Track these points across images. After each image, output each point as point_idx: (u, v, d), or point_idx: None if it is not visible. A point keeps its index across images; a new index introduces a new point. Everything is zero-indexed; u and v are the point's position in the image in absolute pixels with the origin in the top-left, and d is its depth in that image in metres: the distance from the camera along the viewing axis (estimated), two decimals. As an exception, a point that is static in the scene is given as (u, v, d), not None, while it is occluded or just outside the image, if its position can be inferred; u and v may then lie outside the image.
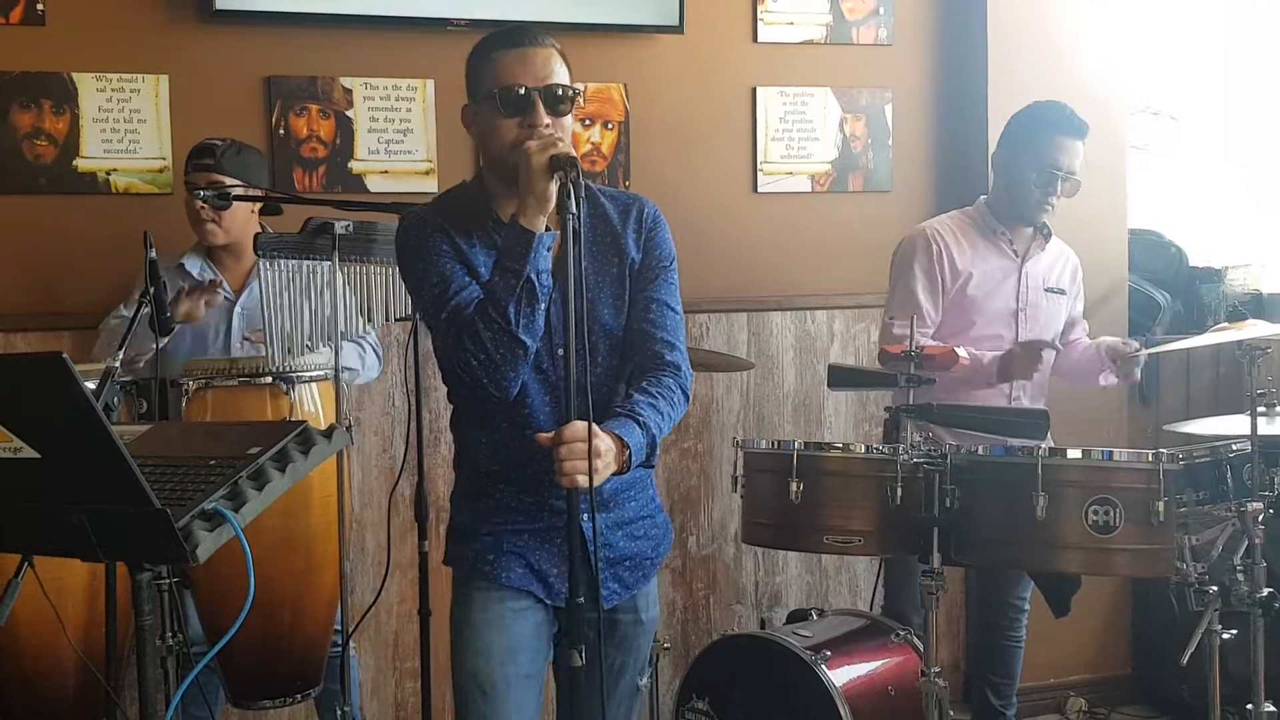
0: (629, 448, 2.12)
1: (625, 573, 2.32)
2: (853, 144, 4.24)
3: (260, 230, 3.24)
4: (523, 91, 2.18)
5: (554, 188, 2.08)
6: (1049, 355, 3.34)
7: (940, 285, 3.41)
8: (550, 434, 2.06)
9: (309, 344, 2.98)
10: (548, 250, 2.13)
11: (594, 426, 2.04)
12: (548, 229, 2.13)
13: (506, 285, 2.11)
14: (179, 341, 3.17)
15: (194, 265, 3.29)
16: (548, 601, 2.26)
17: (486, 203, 2.27)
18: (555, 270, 2.15)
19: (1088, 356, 3.53)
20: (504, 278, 2.12)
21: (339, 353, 2.92)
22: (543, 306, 2.13)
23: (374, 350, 3.35)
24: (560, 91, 2.20)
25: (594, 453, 2.02)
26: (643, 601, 2.37)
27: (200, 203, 3.15)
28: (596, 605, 2.11)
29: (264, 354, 2.95)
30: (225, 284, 3.27)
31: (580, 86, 2.27)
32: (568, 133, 2.21)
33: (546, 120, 2.17)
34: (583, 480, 2.01)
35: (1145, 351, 3.43)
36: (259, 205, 3.21)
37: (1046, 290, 3.49)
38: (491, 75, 2.21)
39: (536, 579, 2.25)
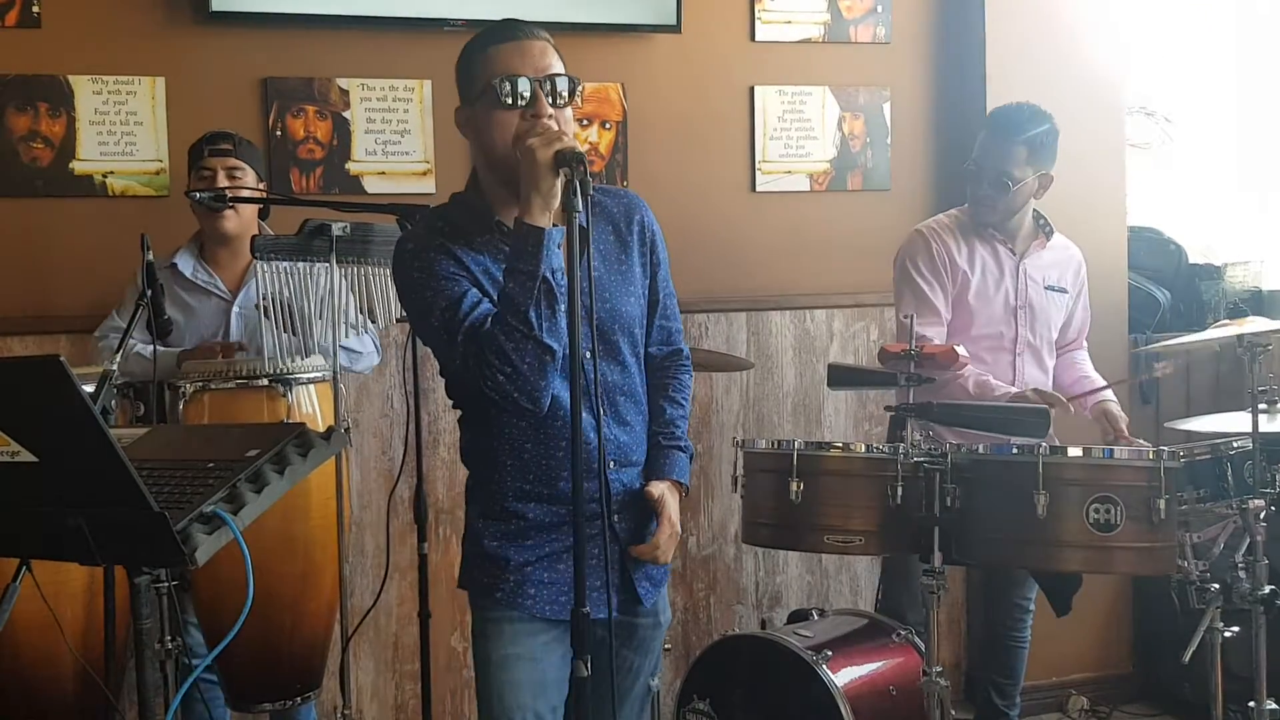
0: (684, 485, 2.31)
1: (654, 570, 2.33)
2: (851, 143, 4.23)
3: (259, 229, 3.24)
4: (523, 82, 2.08)
5: (559, 184, 2.00)
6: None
7: (944, 283, 3.42)
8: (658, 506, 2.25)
9: (310, 346, 2.98)
10: (559, 247, 2.03)
11: (668, 499, 2.26)
12: (554, 225, 2.04)
13: (523, 289, 2.01)
14: (179, 345, 3.15)
15: (186, 264, 3.25)
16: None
17: (487, 210, 2.18)
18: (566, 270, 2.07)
19: (1079, 389, 3.54)
20: (518, 281, 2.01)
21: (336, 354, 2.91)
22: (563, 307, 2.02)
23: (372, 339, 3.33)
24: (562, 82, 2.11)
25: (676, 532, 2.29)
26: (662, 603, 2.38)
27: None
28: (621, 607, 2.14)
29: (263, 356, 2.93)
30: (220, 284, 3.26)
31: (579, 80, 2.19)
32: (569, 126, 2.12)
33: (549, 111, 2.09)
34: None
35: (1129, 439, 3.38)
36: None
37: (1047, 289, 3.49)
38: (487, 69, 2.11)
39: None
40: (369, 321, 3.15)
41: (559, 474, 2.18)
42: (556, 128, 2.07)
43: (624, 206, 2.30)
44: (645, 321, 2.31)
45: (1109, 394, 3.50)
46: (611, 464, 2.21)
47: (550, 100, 2.10)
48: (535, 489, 2.20)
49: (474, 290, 2.11)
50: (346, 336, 3.09)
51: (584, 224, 1.99)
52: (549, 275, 2.01)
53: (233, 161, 3.18)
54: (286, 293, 2.91)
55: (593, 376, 2.02)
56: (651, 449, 2.31)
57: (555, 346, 2.03)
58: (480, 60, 2.14)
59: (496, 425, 2.19)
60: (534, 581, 2.21)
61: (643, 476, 2.30)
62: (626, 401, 2.26)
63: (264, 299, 2.90)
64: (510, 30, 2.14)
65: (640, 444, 2.30)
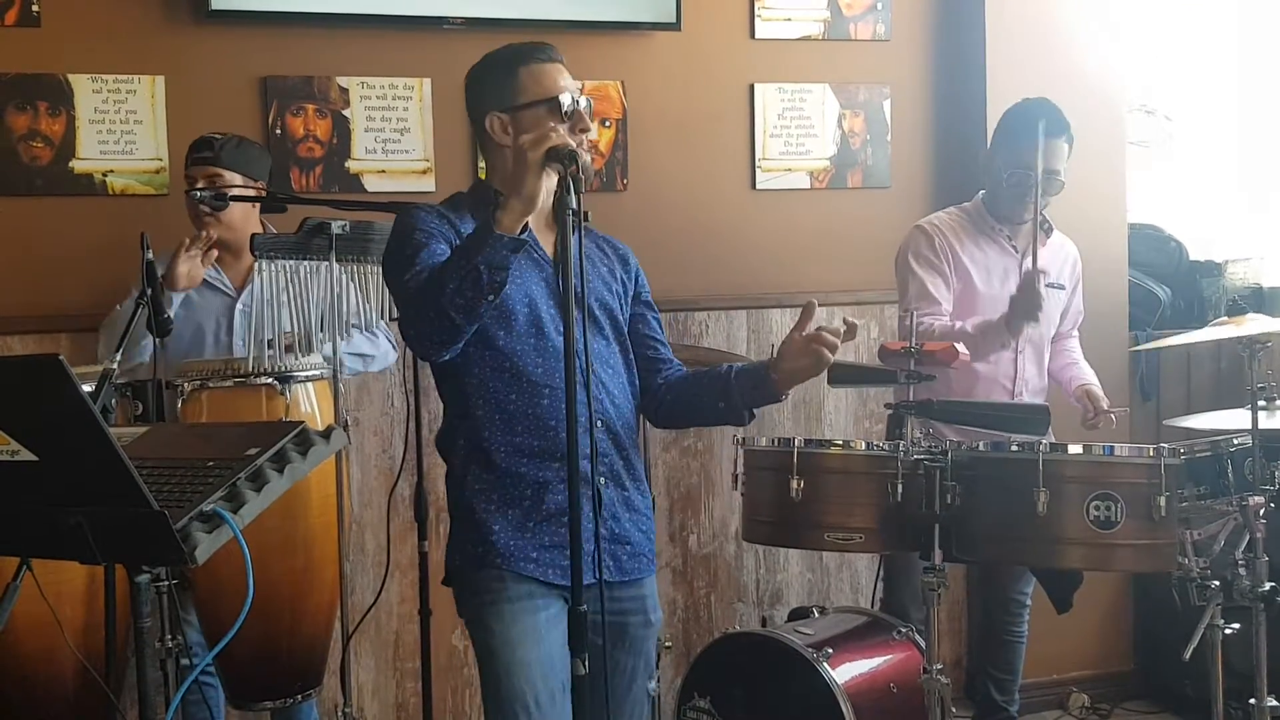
0: None
1: (624, 558, 2.33)
2: (851, 140, 4.23)
3: (263, 228, 3.24)
4: (583, 100, 2.29)
5: (550, 184, 2.06)
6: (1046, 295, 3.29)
7: (946, 273, 3.42)
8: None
9: (316, 339, 2.98)
10: (509, 253, 2.07)
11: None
12: (526, 227, 2.09)
13: (456, 264, 2.09)
14: (177, 341, 3.15)
15: None
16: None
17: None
18: (557, 259, 2.25)
19: (1068, 376, 3.56)
20: (457, 255, 2.10)
21: (336, 350, 2.91)
22: (490, 299, 2.09)
23: (386, 338, 3.33)
24: (591, 105, 2.34)
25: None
26: (650, 602, 2.38)
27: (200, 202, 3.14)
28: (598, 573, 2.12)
29: (270, 355, 2.92)
30: (226, 280, 3.26)
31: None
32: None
33: (593, 126, 2.30)
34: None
35: (1114, 418, 3.42)
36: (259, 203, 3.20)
37: (1047, 286, 3.48)
38: (538, 84, 2.28)
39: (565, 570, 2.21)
40: (380, 319, 3.15)
41: (546, 425, 2.23)
42: (562, 134, 2.15)
43: (623, 250, 2.49)
44: (625, 320, 2.42)
45: (1091, 377, 3.51)
46: (599, 424, 2.26)
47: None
48: (525, 441, 2.24)
49: (445, 249, 2.21)
50: (347, 337, 3.09)
51: (578, 224, 2.03)
52: (483, 269, 2.05)
53: (212, 170, 3.16)
54: (286, 294, 2.91)
55: (582, 345, 2.06)
56: (726, 373, 2.38)
57: (457, 320, 2.09)
58: (524, 73, 2.30)
59: (479, 387, 2.25)
60: (538, 546, 2.23)
61: (743, 381, 2.36)
62: (607, 371, 2.33)
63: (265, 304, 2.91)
64: (546, 52, 2.34)
65: (625, 419, 2.35)
